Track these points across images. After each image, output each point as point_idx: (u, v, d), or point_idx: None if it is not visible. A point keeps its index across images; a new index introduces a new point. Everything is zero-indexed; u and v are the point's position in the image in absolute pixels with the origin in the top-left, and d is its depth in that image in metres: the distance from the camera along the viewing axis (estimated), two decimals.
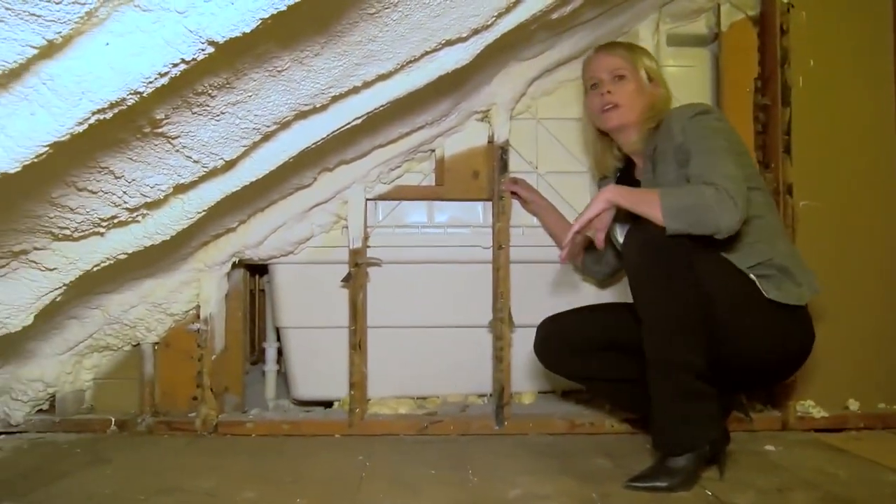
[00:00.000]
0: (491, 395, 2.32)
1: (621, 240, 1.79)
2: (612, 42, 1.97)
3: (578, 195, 2.38)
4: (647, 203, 1.57)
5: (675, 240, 1.55)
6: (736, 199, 1.53)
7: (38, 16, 0.87)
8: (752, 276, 1.65)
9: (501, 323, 2.21)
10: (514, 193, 2.26)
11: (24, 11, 0.86)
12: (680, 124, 1.70)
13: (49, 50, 0.96)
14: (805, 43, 2.26)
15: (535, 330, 1.99)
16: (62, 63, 1.00)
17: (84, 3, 0.89)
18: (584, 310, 2.02)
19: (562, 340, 1.94)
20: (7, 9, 0.85)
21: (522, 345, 2.27)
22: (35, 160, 1.05)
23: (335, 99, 1.62)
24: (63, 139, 1.05)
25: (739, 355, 1.66)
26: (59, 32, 0.91)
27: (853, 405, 2.25)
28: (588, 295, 2.34)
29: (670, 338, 1.56)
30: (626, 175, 1.98)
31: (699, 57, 2.40)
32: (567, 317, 1.98)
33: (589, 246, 2.17)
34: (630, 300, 1.65)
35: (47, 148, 1.04)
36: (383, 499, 1.55)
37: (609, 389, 2.00)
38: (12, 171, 1.04)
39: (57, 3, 0.86)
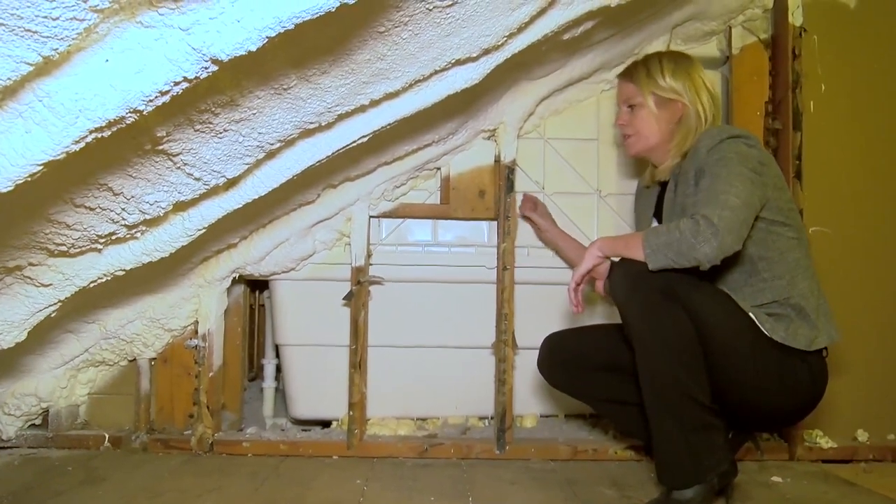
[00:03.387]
0: (492, 418, 2.28)
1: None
2: (631, 65, 1.90)
3: (585, 216, 2.35)
4: (633, 248, 1.57)
5: (660, 272, 1.52)
6: (719, 227, 1.46)
7: (35, 32, 0.84)
8: (753, 313, 1.58)
9: (505, 345, 2.17)
10: (527, 219, 2.22)
11: (20, 27, 0.83)
12: (708, 146, 1.65)
13: (46, 66, 0.93)
14: (817, 67, 2.24)
15: (537, 352, 1.95)
16: (59, 80, 0.97)
17: (83, 20, 0.86)
18: (592, 328, 1.98)
19: (567, 357, 1.90)
20: (1, 24, 0.82)
21: (525, 367, 2.24)
22: (29, 179, 1.01)
23: (341, 117, 1.59)
24: (59, 157, 1.02)
25: (736, 395, 1.60)
26: (56, 49, 0.88)
27: (862, 436, 2.21)
28: (595, 317, 2.30)
29: (665, 370, 1.51)
30: (662, 194, 1.91)
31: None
32: (573, 334, 1.94)
33: None
34: None
35: (42, 167, 1.01)
36: None
37: (615, 411, 1.95)
38: (5, 191, 1.01)
39: (54, 20, 0.83)
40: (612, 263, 1.63)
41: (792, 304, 1.62)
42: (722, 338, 1.55)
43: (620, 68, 2.12)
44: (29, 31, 0.84)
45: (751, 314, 1.58)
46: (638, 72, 1.85)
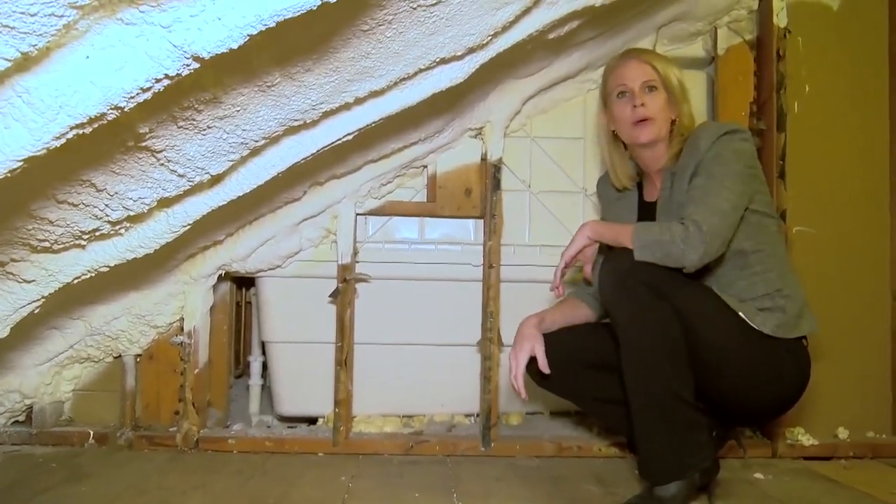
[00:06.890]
0: (478, 415, 2.28)
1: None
2: (639, 49, 1.83)
3: (571, 215, 2.35)
4: (623, 237, 1.57)
5: (648, 270, 1.52)
6: (707, 234, 1.48)
7: (12, 28, 0.84)
8: (742, 309, 1.59)
9: (490, 342, 2.18)
10: None
11: None
12: (708, 141, 1.63)
13: (25, 63, 0.93)
14: (801, 69, 2.25)
15: None
16: (39, 76, 0.97)
17: (62, 16, 0.86)
18: (578, 327, 1.98)
19: (554, 357, 1.89)
20: None
21: None
22: (9, 175, 1.01)
23: (326, 115, 1.59)
24: (39, 154, 1.02)
25: (726, 391, 1.62)
26: (35, 45, 0.88)
27: (842, 433, 2.22)
28: None
29: (651, 367, 1.51)
30: (641, 199, 1.87)
31: (696, 80, 2.38)
32: (560, 333, 1.93)
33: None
34: None
35: (22, 163, 1.01)
36: None
37: (601, 409, 1.94)
38: None
39: (32, 16, 0.83)
40: (604, 259, 1.63)
41: (783, 296, 1.63)
42: (711, 335, 1.56)
43: None
44: (6, 26, 0.84)
45: (740, 312, 1.59)
46: (656, 54, 1.77)
